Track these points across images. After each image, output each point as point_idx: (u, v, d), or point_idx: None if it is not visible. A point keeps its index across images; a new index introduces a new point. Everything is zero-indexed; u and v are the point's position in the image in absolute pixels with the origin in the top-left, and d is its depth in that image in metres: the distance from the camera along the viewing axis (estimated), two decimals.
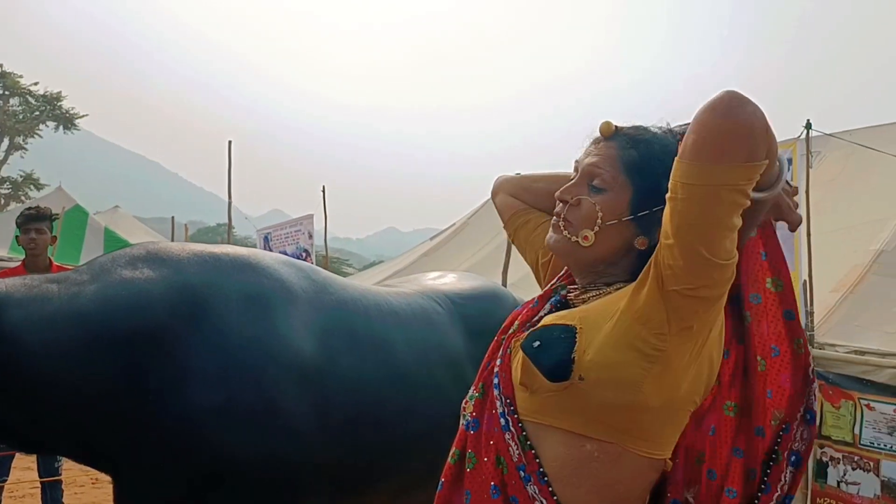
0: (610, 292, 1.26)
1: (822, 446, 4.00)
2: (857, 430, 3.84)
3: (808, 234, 4.25)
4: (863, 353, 4.15)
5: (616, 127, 1.30)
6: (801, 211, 4.20)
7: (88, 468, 2.20)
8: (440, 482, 1.35)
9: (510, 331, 1.38)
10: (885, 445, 3.73)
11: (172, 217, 12.84)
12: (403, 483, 2.35)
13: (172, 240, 11.83)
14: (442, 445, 2.41)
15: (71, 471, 4.86)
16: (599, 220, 1.25)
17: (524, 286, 5.14)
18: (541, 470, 1.19)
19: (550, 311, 1.34)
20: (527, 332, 1.29)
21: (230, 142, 9.86)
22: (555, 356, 1.17)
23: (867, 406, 3.80)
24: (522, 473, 1.20)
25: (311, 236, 8.26)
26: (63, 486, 4.46)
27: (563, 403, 1.18)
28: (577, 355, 1.15)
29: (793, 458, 1.27)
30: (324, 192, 8.80)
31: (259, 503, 1.98)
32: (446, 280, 2.88)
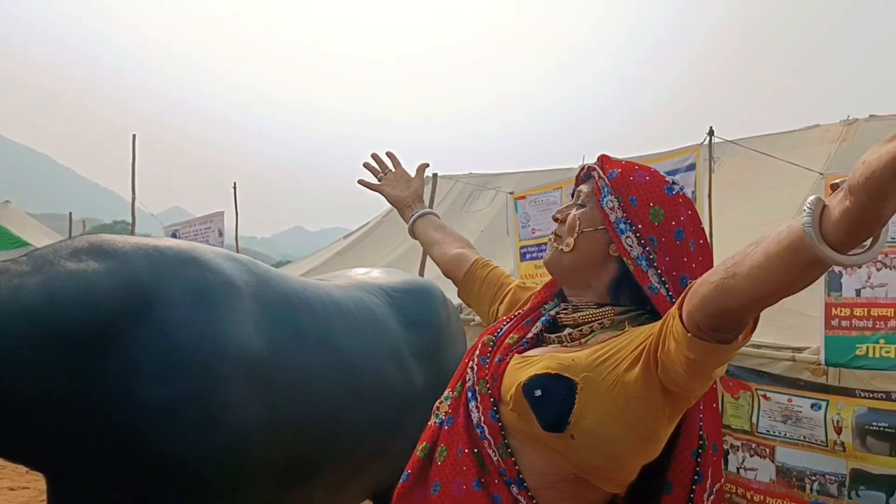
0: (601, 318, 1.35)
1: (723, 435, 4.22)
2: (754, 419, 4.05)
3: (711, 235, 4.49)
4: (759, 346, 4.41)
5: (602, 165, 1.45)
6: (704, 213, 4.45)
7: None
8: (405, 473, 1.38)
9: (500, 337, 1.44)
10: (780, 433, 3.96)
11: (70, 213, 12.28)
12: (349, 469, 2.38)
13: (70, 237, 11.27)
14: (386, 432, 2.47)
15: None
16: (578, 228, 1.41)
17: (440, 285, 5.21)
18: (520, 476, 1.24)
19: (542, 330, 1.42)
20: (525, 363, 1.32)
21: (134, 136, 9.52)
22: (554, 413, 1.21)
23: (763, 396, 4.03)
24: (504, 476, 1.25)
25: (221, 234, 8.09)
26: None
27: (550, 440, 1.23)
28: (574, 418, 1.19)
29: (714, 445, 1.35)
30: (235, 189, 8.63)
31: (207, 498, 1.95)
32: (375, 275, 2.93)
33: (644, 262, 1.33)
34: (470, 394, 1.35)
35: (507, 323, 1.49)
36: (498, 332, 1.47)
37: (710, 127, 4.56)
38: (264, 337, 2.11)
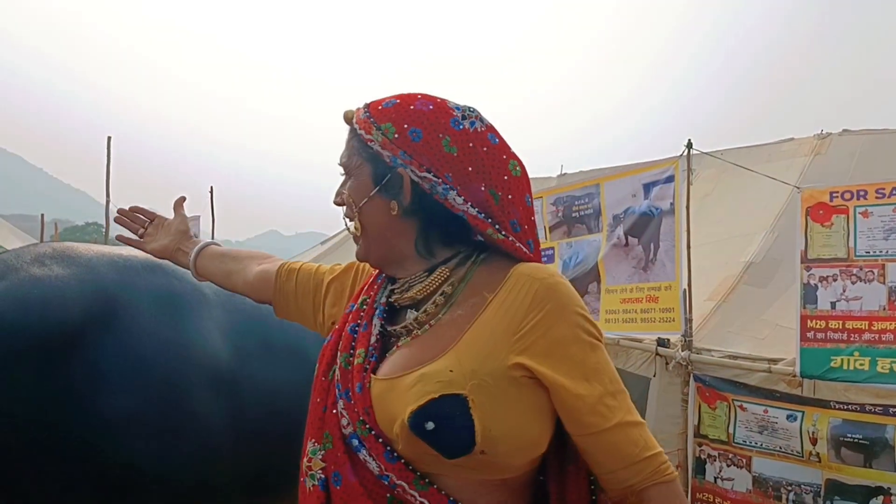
0: (439, 284, 1.18)
1: (700, 444, 4.25)
2: (731, 430, 4.09)
3: (688, 247, 4.52)
4: (735, 357, 4.43)
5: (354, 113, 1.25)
6: (682, 224, 4.48)
7: None
8: None
9: (340, 364, 1.23)
10: (756, 443, 4.00)
11: (42, 215, 12.10)
12: None
13: (42, 239, 11.12)
14: None
15: None
16: (354, 207, 1.21)
17: None
18: (451, 499, 1.09)
19: (382, 326, 1.23)
20: (392, 388, 1.13)
21: (109, 137, 9.40)
22: (455, 439, 1.05)
23: (740, 407, 4.07)
24: None
25: (197, 238, 8.00)
26: None
27: (460, 461, 1.07)
28: (479, 436, 1.04)
29: None
30: (212, 193, 8.58)
31: None
32: None
33: (440, 188, 1.15)
34: (356, 442, 1.14)
35: (351, 329, 1.25)
36: (349, 350, 1.23)
37: (689, 140, 4.61)
38: (232, 346, 2.09)
